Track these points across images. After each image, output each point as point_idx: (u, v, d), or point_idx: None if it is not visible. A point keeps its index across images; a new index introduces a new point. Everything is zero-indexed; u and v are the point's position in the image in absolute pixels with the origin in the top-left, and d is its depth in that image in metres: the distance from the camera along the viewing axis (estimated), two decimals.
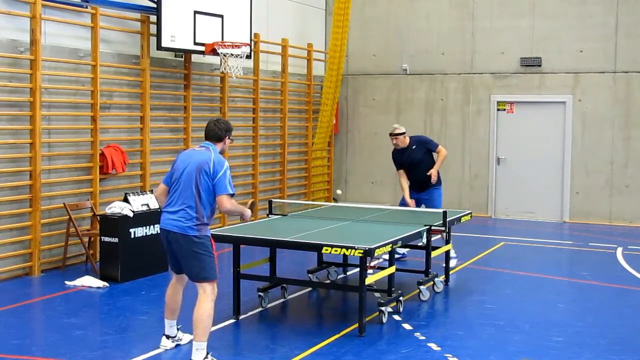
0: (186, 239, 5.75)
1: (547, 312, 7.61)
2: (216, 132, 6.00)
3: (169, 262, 6.09)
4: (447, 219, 7.99)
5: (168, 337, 6.22)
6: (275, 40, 13.39)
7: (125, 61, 10.23)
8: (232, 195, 5.79)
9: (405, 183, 9.65)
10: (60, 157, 9.36)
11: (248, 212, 6.07)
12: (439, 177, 9.66)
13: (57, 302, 7.83)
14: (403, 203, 9.63)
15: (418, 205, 9.58)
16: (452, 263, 9.47)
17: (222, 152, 6.04)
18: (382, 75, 15.24)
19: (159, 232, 8.62)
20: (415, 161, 9.59)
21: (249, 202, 6.74)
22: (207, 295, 5.74)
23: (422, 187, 9.61)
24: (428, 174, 9.47)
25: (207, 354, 5.73)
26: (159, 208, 9.01)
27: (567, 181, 13.84)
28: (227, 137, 6.07)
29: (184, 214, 5.76)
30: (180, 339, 6.26)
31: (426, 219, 8.17)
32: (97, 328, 6.92)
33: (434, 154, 9.67)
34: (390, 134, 9.69)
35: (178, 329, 6.26)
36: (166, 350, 6.15)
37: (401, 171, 9.73)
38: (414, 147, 9.66)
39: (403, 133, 9.64)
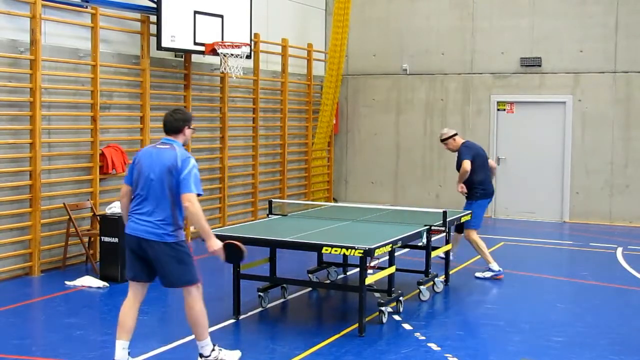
0: (165, 246, 5.45)
1: (547, 312, 7.61)
2: (172, 124, 5.60)
3: (132, 271, 5.62)
4: (447, 219, 7.99)
5: None
6: (275, 40, 13.38)
7: (125, 61, 10.23)
8: (198, 196, 5.41)
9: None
10: (60, 157, 9.36)
11: (214, 242, 5.52)
12: (474, 192, 9.19)
13: (57, 302, 7.84)
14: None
15: None
16: (492, 272, 9.09)
17: (184, 144, 5.65)
18: (382, 75, 15.24)
19: None
20: (456, 167, 9.27)
21: (239, 245, 5.69)
22: (194, 296, 5.53)
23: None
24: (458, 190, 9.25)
25: (214, 345, 5.70)
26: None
27: (567, 181, 13.84)
28: (186, 127, 5.64)
29: (158, 220, 5.44)
30: None
31: (426, 219, 8.17)
32: (97, 328, 6.93)
33: (489, 161, 9.44)
34: (440, 141, 9.47)
35: (129, 353, 5.60)
36: (166, 350, 6.15)
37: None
38: (457, 153, 9.31)
39: (450, 137, 9.28)
